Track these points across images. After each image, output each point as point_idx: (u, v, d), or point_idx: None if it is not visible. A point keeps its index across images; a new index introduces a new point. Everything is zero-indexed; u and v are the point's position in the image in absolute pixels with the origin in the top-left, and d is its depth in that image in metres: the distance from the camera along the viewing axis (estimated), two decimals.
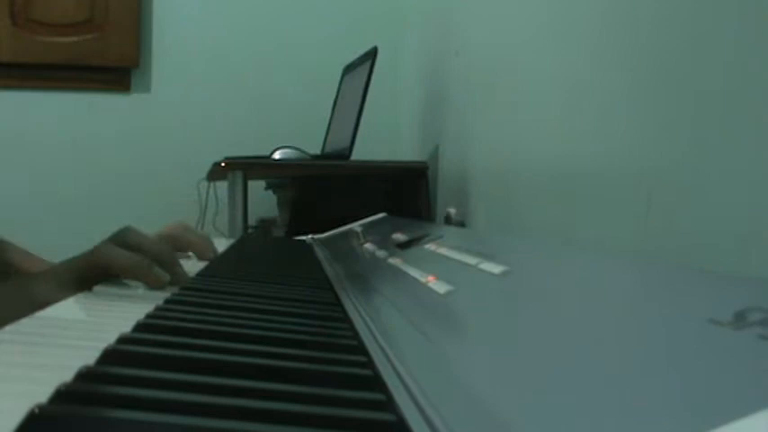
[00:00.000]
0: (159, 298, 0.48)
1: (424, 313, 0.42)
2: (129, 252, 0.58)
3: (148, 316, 0.41)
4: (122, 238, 0.60)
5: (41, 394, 0.24)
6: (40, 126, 2.22)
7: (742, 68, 0.60)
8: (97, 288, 0.56)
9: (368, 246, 0.82)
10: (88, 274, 0.58)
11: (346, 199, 1.65)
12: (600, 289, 0.34)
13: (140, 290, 0.57)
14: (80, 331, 0.40)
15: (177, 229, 0.80)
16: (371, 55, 1.59)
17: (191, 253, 0.81)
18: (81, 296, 0.52)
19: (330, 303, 0.53)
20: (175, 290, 0.54)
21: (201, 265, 0.73)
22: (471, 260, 0.47)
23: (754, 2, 0.59)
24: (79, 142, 2.22)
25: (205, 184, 1.97)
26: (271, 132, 2.01)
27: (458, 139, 1.53)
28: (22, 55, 2.19)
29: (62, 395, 0.25)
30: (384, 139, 2.13)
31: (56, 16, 2.20)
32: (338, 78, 1.87)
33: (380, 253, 0.71)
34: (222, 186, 1.76)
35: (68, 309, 0.47)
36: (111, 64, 2.23)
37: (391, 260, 0.63)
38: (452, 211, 1.41)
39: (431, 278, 0.48)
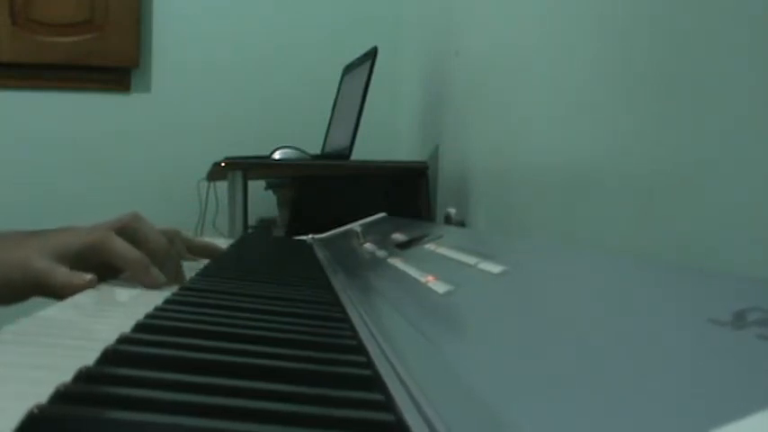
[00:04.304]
0: (159, 298, 0.48)
1: (423, 313, 0.42)
2: (130, 246, 0.58)
3: (148, 316, 0.41)
4: (125, 229, 0.60)
5: (41, 394, 0.24)
6: (40, 126, 2.22)
7: (742, 68, 0.60)
8: (97, 288, 0.56)
9: (368, 246, 0.82)
10: (85, 254, 0.58)
11: (346, 199, 1.65)
12: (599, 289, 0.34)
13: (140, 290, 0.57)
14: (80, 331, 0.40)
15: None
16: (371, 55, 1.59)
17: None
18: (80, 296, 0.52)
19: (329, 303, 0.53)
20: (175, 289, 0.54)
21: (201, 265, 0.73)
22: (471, 260, 0.47)
23: (753, 3, 0.59)
24: (79, 142, 2.22)
25: (205, 184, 1.97)
26: (271, 132, 2.01)
27: (457, 139, 1.53)
28: (22, 55, 2.19)
29: (61, 395, 0.25)
30: (384, 139, 2.13)
31: (56, 16, 2.20)
32: (338, 78, 1.87)
33: (380, 253, 0.71)
34: (222, 186, 1.76)
35: (68, 309, 0.47)
36: (111, 64, 2.23)
37: (391, 260, 0.63)
38: (452, 211, 1.41)
39: (430, 278, 0.48)
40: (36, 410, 0.22)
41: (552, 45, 1.03)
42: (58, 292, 0.55)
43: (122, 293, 0.55)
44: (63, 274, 0.56)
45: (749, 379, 0.19)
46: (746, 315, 0.22)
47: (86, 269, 0.57)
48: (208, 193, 1.99)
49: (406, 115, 2.15)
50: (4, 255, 0.57)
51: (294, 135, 1.85)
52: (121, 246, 0.58)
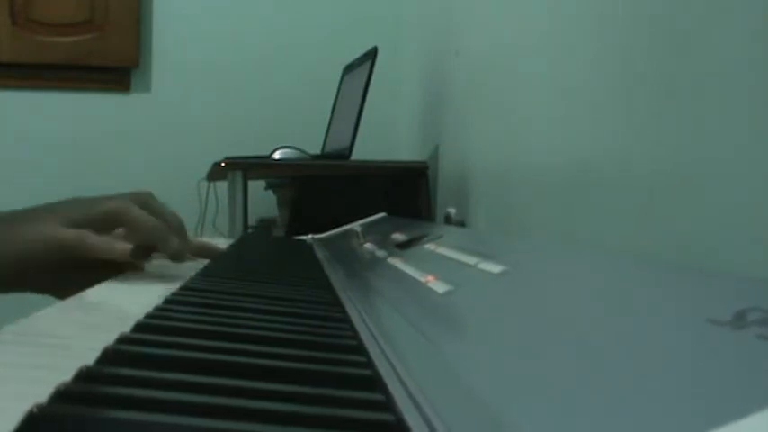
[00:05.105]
0: (158, 298, 0.48)
1: (423, 313, 0.42)
2: (149, 215, 0.57)
3: (148, 316, 0.41)
4: (143, 202, 0.58)
5: (41, 394, 0.24)
6: (40, 126, 2.22)
7: (742, 68, 0.60)
8: (97, 287, 0.56)
9: (368, 246, 0.82)
10: (103, 221, 0.57)
11: (346, 199, 1.65)
12: (599, 289, 0.34)
13: (138, 289, 0.57)
14: (80, 331, 0.40)
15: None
16: (371, 55, 1.59)
17: None
18: (80, 295, 0.52)
19: (329, 303, 0.53)
20: (174, 288, 0.54)
21: (200, 265, 0.73)
22: (471, 260, 0.47)
23: (753, 3, 0.59)
24: (79, 142, 2.22)
25: (205, 184, 1.97)
26: (271, 132, 2.01)
27: (457, 139, 1.53)
28: (22, 55, 2.19)
29: (61, 395, 0.25)
30: (384, 139, 2.13)
31: (56, 16, 2.20)
32: (338, 78, 1.87)
33: (380, 253, 0.71)
34: (222, 186, 1.76)
35: (67, 309, 0.47)
36: (111, 64, 2.23)
37: (391, 260, 0.63)
38: (452, 211, 1.41)
39: (430, 278, 0.48)
40: (35, 410, 0.22)
41: (552, 45, 1.02)
42: (92, 256, 0.53)
43: (121, 293, 0.55)
44: (97, 239, 0.54)
45: (749, 379, 0.19)
46: (746, 315, 0.22)
47: None
48: (208, 193, 1.99)
49: (406, 115, 2.15)
50: (16, 233, 0.56)
51: (294, 135, 1.85)
52: (141, 214, 0.57)
